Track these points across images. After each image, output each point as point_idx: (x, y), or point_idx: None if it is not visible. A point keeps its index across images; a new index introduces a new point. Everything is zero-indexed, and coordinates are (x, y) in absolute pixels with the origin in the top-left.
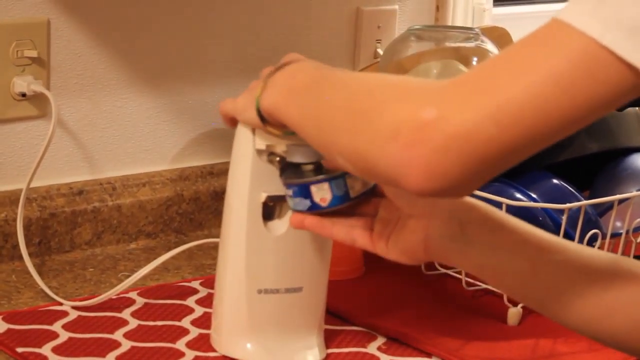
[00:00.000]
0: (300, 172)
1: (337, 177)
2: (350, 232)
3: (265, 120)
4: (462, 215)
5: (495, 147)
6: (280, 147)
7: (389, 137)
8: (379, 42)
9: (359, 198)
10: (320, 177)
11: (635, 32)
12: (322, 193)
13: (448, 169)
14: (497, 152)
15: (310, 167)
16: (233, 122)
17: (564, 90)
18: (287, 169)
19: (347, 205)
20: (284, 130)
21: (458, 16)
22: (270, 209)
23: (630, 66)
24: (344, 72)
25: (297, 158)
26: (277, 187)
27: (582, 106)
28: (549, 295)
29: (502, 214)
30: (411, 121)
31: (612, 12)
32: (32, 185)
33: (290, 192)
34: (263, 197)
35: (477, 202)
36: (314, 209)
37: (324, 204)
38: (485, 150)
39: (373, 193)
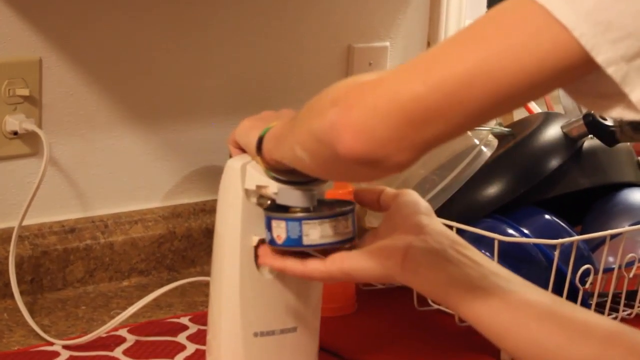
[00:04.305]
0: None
1: (294, 219)
2: (303, 260)
3: (260, 150)
4: (450, 236)
5: (422, 107)
6: (272, 189)
7: (330, 105)
8: None
9: (314, 248)
10: (280, 214)
11: None
12: (278, 230)
13: (377, 128)
14: (424, 113)
15: (297, 210)
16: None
17: (500, 55)
18: (279, 207)
19: (301, 250)
20: (269, 168)
21: None
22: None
23: (565, 29)
24: None
25: (287, 201)
26: None
27: (517, 73)
28: (511, 332)
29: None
30: (351, 86)
31: None
32: (24, 223)
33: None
34: (255, 240)
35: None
36: (272, 243)
37: (279, 242)
38: (411, 109)
39: (335, 249)
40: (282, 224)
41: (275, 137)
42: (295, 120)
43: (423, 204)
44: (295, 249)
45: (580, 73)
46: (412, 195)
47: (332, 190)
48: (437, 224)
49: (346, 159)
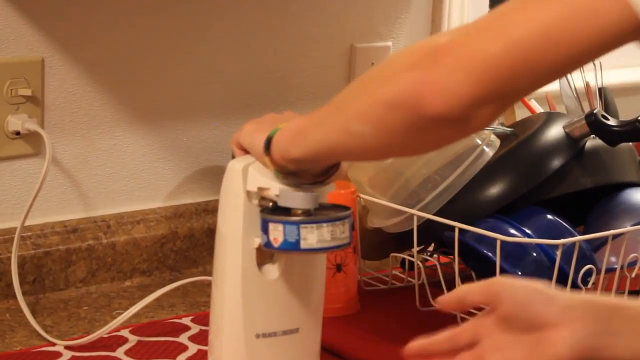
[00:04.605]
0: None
1: (292, 222)
2: None
3: (269, 151)
4: (602, 310)
5: (499, 67)
6: (273, 191)
7: (406, 69)
8: None
9: (313, 252)
10: (278, 217)
11: None
12: (275, 233)
13: (460, 87)
14: (500, 72)
15: (299, 211)
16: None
17: (565, 18)
18: (277, 209)
19: (298, 254)
20: (278, 169)
21: None
22: (264, 253)
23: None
24: None
25: (289, 203)
26: None
27: (583, 35)
28: None
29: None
30: (426, 50)
31: None
32: (26, 224)
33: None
34: (256, 242)
35: (605, 297)
36: (268, 246)
37: (275, 244)
38: (489, 69)
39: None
40: (280, 227)
41: (294, 132)
42: (340, 101)
43: (534, 286)
44: (292, 252)
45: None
46: (515, 283)
47: (334, 191)
48: (571, 299)
49: (431, 119)
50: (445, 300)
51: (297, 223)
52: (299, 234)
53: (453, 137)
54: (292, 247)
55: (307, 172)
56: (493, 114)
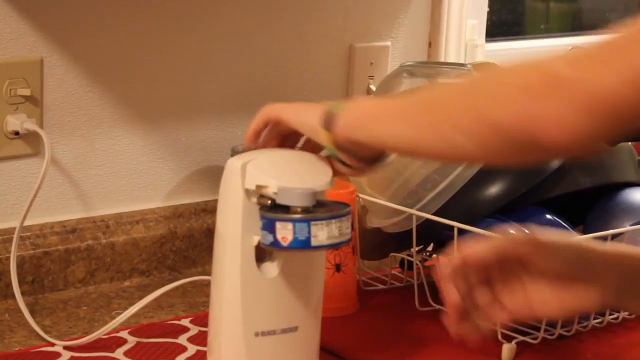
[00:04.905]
0: (287, 213)
1: (301, 220)
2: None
3: (329, 125)
4: (629, 270)
5: (628, 110)
6: (271, 189)
7: (520, 93)
8: (371, 79)
9: (322, 249)
10: (287, 216)
11: None
12: (284, 232)
13: (581, 124)
14: (628, 115)
15: (298, 209)
16: (256, 134)
17: None
18: (275, 207)
19: (308, 252)
20: (335, 146)
21: (450, 52)
22: (262, 251)
23: None
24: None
25: (288, 201)
26: None
27: None
28: None
29: None
30: (545, 76)
31: None
32: (25, 224)
33: (261, 224)
34: (255, 240)
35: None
36: (275, 245)
37: (284, 243)
38: (609, 106)
39: (339, 248)
40: (289, 225)
41: (367, 115)
42: (433, 103)
43: (576, 246)
44: (303, 250)
45: None
46: (559, 243)
47: (333, 190)
48: (606, 256)
49: (544, 149)
50: (486, 248)
51: (308, 220)
52: (309, 232)
53: (555, 159)
54: (302, 245)
55: (355, 154)
56: (604, 145)
